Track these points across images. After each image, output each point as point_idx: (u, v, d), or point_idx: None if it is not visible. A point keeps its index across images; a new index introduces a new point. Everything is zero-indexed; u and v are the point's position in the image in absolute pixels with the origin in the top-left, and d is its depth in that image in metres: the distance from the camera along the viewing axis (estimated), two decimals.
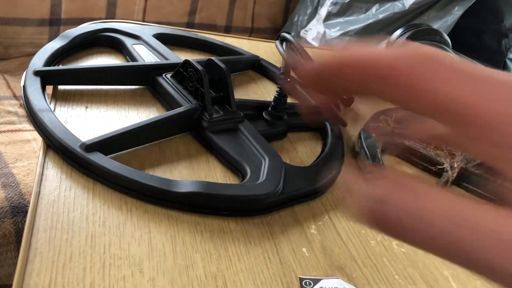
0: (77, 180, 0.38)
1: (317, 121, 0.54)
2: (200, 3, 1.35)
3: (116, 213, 0.36)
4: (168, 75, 0.51)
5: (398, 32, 0.72)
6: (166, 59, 0.56)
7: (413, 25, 0.72)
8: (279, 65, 0.63)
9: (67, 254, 0.31)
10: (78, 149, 0.38)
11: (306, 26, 1.35)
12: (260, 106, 0.52)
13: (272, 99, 0.51)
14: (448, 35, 1.18)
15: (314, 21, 1.33)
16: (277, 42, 0.53)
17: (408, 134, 0.21)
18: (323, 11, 1.29)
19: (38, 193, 0.36)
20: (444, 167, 0.50)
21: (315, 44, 1.31)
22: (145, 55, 0.56)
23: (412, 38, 0.69)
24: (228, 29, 1.45)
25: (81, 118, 0.45)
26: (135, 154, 0.42)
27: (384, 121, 0.55)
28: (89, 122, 0.45)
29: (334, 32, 1.25)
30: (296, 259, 0.36)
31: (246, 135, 0.46)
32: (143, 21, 1.29)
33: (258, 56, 0.63)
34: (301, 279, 0.34)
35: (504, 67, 1.22)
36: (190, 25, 1.38)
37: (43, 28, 1.13)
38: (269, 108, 0.51)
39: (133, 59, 0.55)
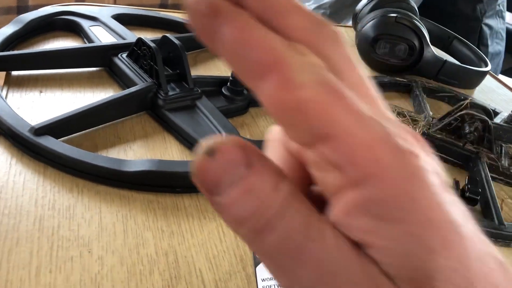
0: (27, 165, 0.37)
1: None
2: None
3: (67, 196, 0.35)
4: (124, 55, 0.51)
5: (365, 1, 0.71)
6: (124, 39, 0.55)
7: None
8: None
9: (13, 239, 0.31)
10: (27, 133, 0.37)
11: None
12: (219, 81, 0.51)
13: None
14: (423, 3, 1.17)
15: None
16: None
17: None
18: None
19: None
20: None
21: None
22: (102, 37, 0.55)
23: (378, 6, 0.68)
24: None
25: (34, 103, 0.44)
26: (89, 136, 0.42)
27: None
28: (42, 106, 0.44)
29: (308, 5, 1.23)
30: None
31: (204, 112, 0.46)
32: (115, 4, 1.26)
33: None
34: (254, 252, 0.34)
35: (480, 32, 1.22)
36: (163, 6, 1.35)
37: (10, 16, 1.10)
38: (228, 83, 0.50)
39: (90, 41, 0.54)
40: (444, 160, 0.50)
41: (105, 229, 0.33)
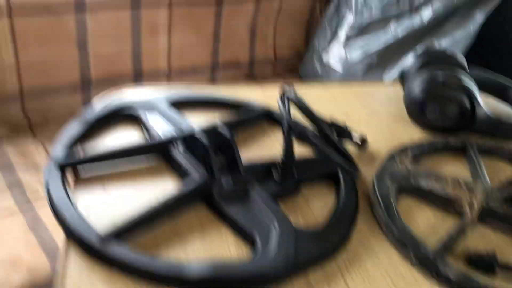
0: (96, 271, 0.40)
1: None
2: (221, 43, 1.39)
3: None
4: (179, 146, 0.54)
5: (412, 59, 0.71)
6: (180, 128, 0.58)
7: (426, 51, 0.71)
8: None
9: None
10: (97, 242, 0.41)
11: (328, 51, 1.35)
12: (267, 166, 0.52)
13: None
14: (472, 43, 1.15)
15: (335, 44, 1.33)
16: (279, 100, 0.54)
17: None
18: (342, 34, 1.29)
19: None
20: (462, 206, 0.48)
21: (339, 67, 1.31)
22: (159, 126, 0.59)
23: (424, 66, 0.68)
24: (252, 64, 1.47)
25: (100, 202, 0.48)
26: (153, 236, 0.44)
27: (400, 162, 0.55)
28: (109, 206, 0.47)
29: (355, 55, 1.24)
30: None
31: (256, 199, 0.47)
32: (169, 69, 1.34)
33: (269, 110, 0.65)
34: None
35: None
36: (214, 65, 1.41)
37: (75, 92, 1.20)
38: (277, 166, 0.52)
39: (148, 131, 0.58)
40: (509, 234, 0.48)
41: None
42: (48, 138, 1.16)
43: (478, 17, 1.09)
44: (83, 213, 0.44)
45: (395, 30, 1.17)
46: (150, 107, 0.62)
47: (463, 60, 0.70)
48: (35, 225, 0.82)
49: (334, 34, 1.34)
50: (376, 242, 0.46)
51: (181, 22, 1.27)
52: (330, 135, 0.53)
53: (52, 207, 0.45)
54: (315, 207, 0.51)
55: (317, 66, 1.37)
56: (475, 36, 1.10)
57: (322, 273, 0.42)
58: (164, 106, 0.62)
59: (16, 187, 0.97)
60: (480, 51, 1.16)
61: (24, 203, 0.88)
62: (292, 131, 0.51)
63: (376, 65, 1.18)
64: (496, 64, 1.22)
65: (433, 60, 0.68)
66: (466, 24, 1.10)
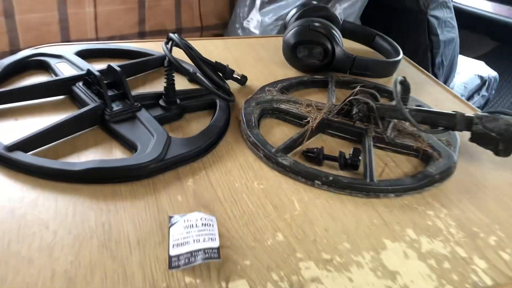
0: (4, 174, 0.50)
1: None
2: (147, 12, 1.47)
3: (32, 192, 0.48)
4: (80, 84, 0.63)
5: (292, 12, 0.83)
6: (83, 71, 0.68)
7: (303, 4, 0.83)
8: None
9: None
10: (2, 150, 0.50)
11: (247, 17, 1.46)
12: (157, 95, 0.63)
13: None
14: (370, 1, 1.29)
15: (253, 11, 1.44)
16: (163, 44, 0.64)
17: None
18: (257, 1, 1.41)
19: None
20: (308, 120, 0.61)
21: (257, 31, 1.43)
22: (66, 71, 0.68)
23: (302, 16, 0.80)
24: (179, 31, 1.56)
25: (11, 129, 0.57)
26: (52, 149, 0.55)
27: (268, 92, 0.67)
28: (17, 131, 0.57)
29: (269, 19, 1.36)
30: (171, 204, 0.48)
31: (142, 121, 0.58)
32: (97, 38, 1.41)
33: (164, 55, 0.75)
34: (170, 217, 0.46)
35: (428, 23, 1.33)
36: (142, 34, 1.49)
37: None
38: (163, 96, 0.63)
39: (56, 75, 0.67)
40: (343, 138, 0.61)
41: (59, 212, 0.46)
42: None
43: None
44: None
45: None
46: (59, 56, 0.72)
47: (334, 12, 0.83)
48: None
49: (253, 2, 1.46)
50: (237, 148, 0.59)
51: None
52: (208, 72, 0.64)
53: None
54: (194, 126, 0.62)
55: (240, 31, 1.48)
56: None
57: (189, 169, 0.54)
58: (71, 56, 0.72)
59: None
60: (376, 9, 1.32)
61: None
62: (173, 67, 0.61)
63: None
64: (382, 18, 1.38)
65: (308, 13, 0.80)
66: None
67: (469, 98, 1.67)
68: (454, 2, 2.07)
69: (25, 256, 0.41)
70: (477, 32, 2.44)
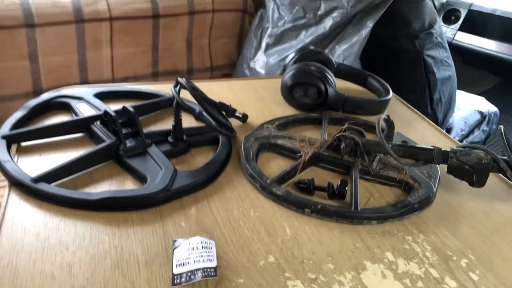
0: (29, 202, 0.57)
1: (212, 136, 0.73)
2: (160, 54, 1.57)
3: (55, 218, 0.55)
4: (98, 123, 0.71)
5: (291, 56, 0.91)
6: (100, 111, 0.75)
7: (300, 49, 0.91)
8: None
9: (18, 243, 0.50)
10: (29, 182, 0.58)
11: (254, 57, 1.55)
12: (165, 133, 0.71)
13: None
14: (368, 43, 1.37)
15: (259, 52, 1.54)
16: (172, 87, 0.72)
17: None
18: (263, 43, 1.50)
19: (3, 214, 0.55)
20: (301, 154, 0.68)
21: (263, 71, 1.51)
22: (85, 111, 0.76)
23: (299, 60, 0.88)
24: (190, 71, 1.66)
25: (36, 163, 0.65)
26: (72, 181, 0.62)
27: (266, 128, 0.74)
28: (41, 164, 0.64)
29: (273, 60, 1.45)
30: (175, 229, 0.55)
31: (152, 155, 0.65)
32: (113, 79, 1.51)
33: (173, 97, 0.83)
34: (174, 240, 0.52)
35: (424, 63, 1.40)
36: (155, 74, 1.59)
37: (29, 99, 1.35)
38: (171, 133, 0.70)
39: (76, 115, 0.75)
40: (333, 171, 0.67)
41: (78, 236, 0.52)
42: None
43: (369, 24, 1.31)
44: (21, 167, 0.61)
45: (304, 37, 1.38)
46: (79, 98, 0.80)
47: (329, 56, 0.90)
48: None
49: (259, 44, 1.55)
50: (237, 179, 0.65)
51: (122, 34, 1.45)
52: (211, 111, 0.72)
53: None
54: (198, 160, 0.69)
55: (247, 70, 1.57)
56: (367, 38, 1.32)
57: (193, 198, 0.61)
58: (90, 97, 0.80)
59: None
60: (374, 50, 1.40)
61: None
62: (180, 107, 0.69)
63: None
64: (380, 58, 1.46)
65: (305, 57, 0.88)
66: (360, 30, 1.32)
67: (470, 132, 1.72)
68: (458, 40, 2.16)
69: (48, 273, 0.47)
70: (481, 69, 2.51)
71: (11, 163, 0.61)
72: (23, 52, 1.33)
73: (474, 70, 2.46)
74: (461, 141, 1.67)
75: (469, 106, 1.76)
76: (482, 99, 1.86)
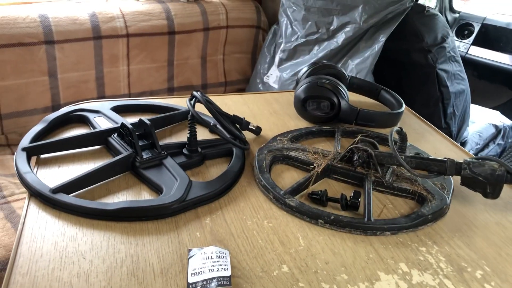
0: (48, 212, 0.59)
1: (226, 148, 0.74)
2: (176, 70, 1.60)
3: (73, 228, 0.56)
4: (115, 135, 0.73)
5: (304, 69, 0.93)
6: (117, 124, 0.77)
7: (313, 63, 0.92)
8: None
9: (37, 252, 0.52)
10: (48, 192, 0.59)
11: (267, 72, 1.57)
12: (181, 145, 0.72)
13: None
14: (381, 57, 1.38)
15: (273, 67, 1.55)
16: (187, 100, 0.74)
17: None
18: (276, 58, 1.52)
19: (23, 223, 0.57)
20: (314, 166, 0.68)
21: (276, 85, 1.53)
22: (103, 124, 0.78)
23: (312, 73, 0.89)
24: (204, 87, 1.68)
25: (55, 174, 0.67)
26: (90, 191, 0.63)
27: (279, 141, 0.75)
28: (60, 175, 0.66)
29: (286, 74, 1.46)
30: (190, 239, 0.56)
31: (167, 167, 0.67)
32: (129, 94, 1.54)
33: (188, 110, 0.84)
34: (189, 250, 0.53)
35: (437, 76, 1.40)
36: (170, 89, 1.62)
37: (47, 114, 1.39)
38: (186, 145, 0.71)
39: (94, 128, 0.77)
40: (346, 182, 0.68)
41: (95, 245, 0.54)
42: None
43: (382, 39, 1.32)
44: (41, 178, 0.63)
45: (317, 52, 1.39)
46: (96, 111, 0.82)
47: (342, 70, 0.91)
48: (10, 215, 0.99)
49: (272, 59, 1.57)
50: (250, 190, 0.66)
51: (138, 50, 1.48)
52: (225, 124, 0.73)
53: (18, 175, 0.64)
54: (213, 171, 0.70)
55: (260, 85, 1.59)
56: (379, 52, 1.33)
57: (207, 209, 0.61)
58: (107, 111, 0.82)
59: None
60: (387, 64, 1.40)
61: (1, 199, 1.06)
62: (195, 120, 0.70)
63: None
64: (393, 72, 1.47)
65: (317, 71, 0.89)
66: (372, 45, 1.33)
67: (485, 146, 1.71)
68: (471, 54, 2.16)
69: (66, 281, 0.48)
70: (496, 83, 2.50)
71: (31, 174, 0.63)
72: (42, 68, 1.37)
73: (489, 84, 2.45)
74: (476, 155, 1.66)
75: (484, 120, 1.75)
76: (497, 113, 1.85)
